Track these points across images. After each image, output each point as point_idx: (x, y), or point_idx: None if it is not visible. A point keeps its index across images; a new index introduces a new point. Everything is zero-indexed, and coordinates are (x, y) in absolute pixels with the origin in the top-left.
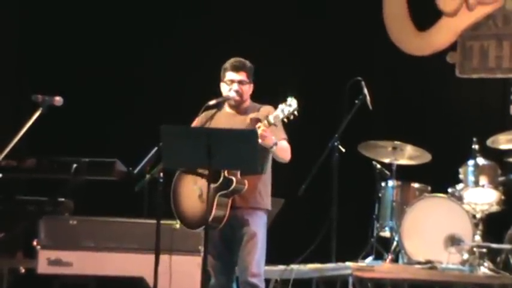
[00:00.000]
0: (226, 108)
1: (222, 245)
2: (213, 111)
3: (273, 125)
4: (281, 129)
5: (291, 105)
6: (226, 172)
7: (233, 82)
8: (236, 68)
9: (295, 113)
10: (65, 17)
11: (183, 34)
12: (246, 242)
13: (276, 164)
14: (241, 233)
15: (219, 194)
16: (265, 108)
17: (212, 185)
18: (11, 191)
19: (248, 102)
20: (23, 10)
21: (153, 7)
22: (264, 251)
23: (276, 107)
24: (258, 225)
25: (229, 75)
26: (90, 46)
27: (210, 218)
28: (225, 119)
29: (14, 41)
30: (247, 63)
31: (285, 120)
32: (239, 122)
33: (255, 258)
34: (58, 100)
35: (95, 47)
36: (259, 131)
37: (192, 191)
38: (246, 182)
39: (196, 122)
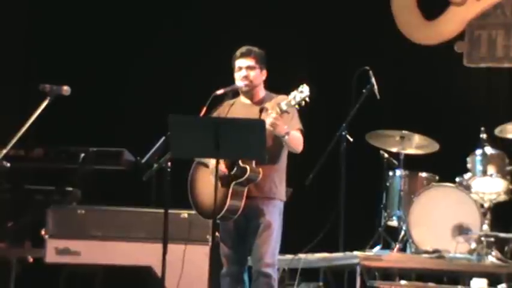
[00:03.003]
0: (242, 99)
1: (237, 234)
2: (232, 101)
3: (285, 113)
4: (296, 119)
5: (302, 91)
6: (240, 161)
7: (241, 68)
8: (243, 55)
9: (307, 99)
10: (72, 6)
11: (190, 22)
12: (262, 231)
13: (287, 152)
14: (256, 222)
15: (233, 182)
16: (280, 98)
17: (230, 172)
18: (19, 180)
19: (262, 91)
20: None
21: None
22: (279, 241)
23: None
24: (274, 215)
25: (238, 62)
26: (98, 35)
27: (225, 208)
28: (241, 109)
29: (22, 30)
30: (256, 49)
31: (297, 107)
32: (254, 113)
33: (270, 248)
34: (66, 89)
35: (102, 36)
36: (271, 119)
37: (209, 180)
38: (260, 170)
39: (206, 112)
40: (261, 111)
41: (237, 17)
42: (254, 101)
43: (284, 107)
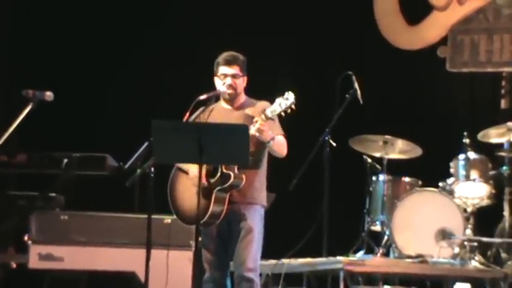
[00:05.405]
0: (222, 104)
1: (219, 239)
2: (211, 106)
3: (270, 119)
4: (278, 125)
5: (288, 98)
6: (223, 167)
7: (226, 76)
8: (229, 62)
9: (293, 106)
10: (54, 11)
11: (172, 27)
12: (243, 236)
13: (268, 158)
14: (238, 227)
15: (216, 189)
16: (262, 104)
17: (210, 180)
18: (1, 186)
19: (243, 97)
20: (13, 5)
21: (142, 0)
22: (261, 246)
23: (271, 103)
24: (255, 220)
25: (222, 69)
26: (81, 41)
27: (208, 214)
28: (221, 114)
29: (5, 36)
30: (240, 56)
31: (282, 114)
32: (235, 118)
33: (252, 253)
34: (49, 95)
35: (85, 41)
36: (257, 126)
37: (190, 186)
38: (243, 177)
39: (189, 117)
40: (247, 119)
41: (220, 22)
42: (235, 106)
43: (269, 114)
